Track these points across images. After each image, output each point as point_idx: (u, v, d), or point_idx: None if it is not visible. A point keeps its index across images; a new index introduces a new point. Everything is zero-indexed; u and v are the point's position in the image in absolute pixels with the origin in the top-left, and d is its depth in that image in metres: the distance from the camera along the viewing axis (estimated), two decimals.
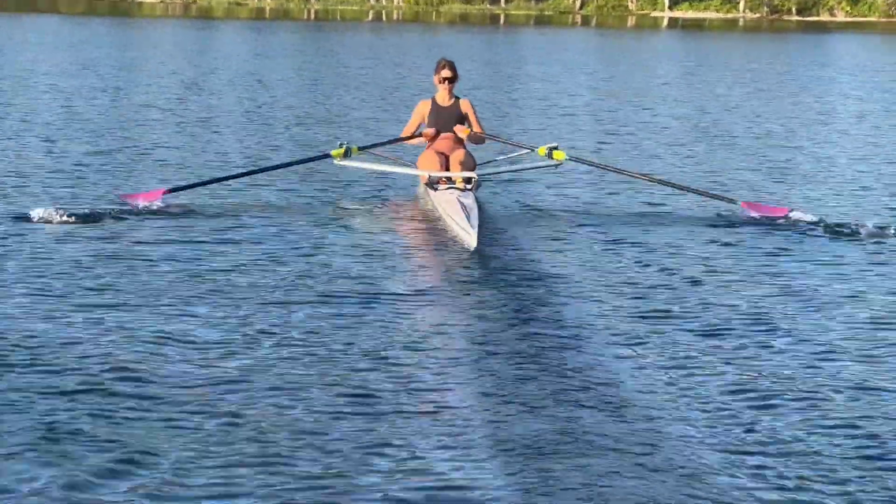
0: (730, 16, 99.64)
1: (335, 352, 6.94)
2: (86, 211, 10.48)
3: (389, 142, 12.39)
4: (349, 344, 7.09)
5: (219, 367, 6.56)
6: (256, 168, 12.45)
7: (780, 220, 11.09)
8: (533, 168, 12.37)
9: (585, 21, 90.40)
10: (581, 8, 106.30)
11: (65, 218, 10.05)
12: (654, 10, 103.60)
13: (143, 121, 17.91)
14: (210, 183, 11.66)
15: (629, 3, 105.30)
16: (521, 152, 12.31)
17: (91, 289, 8.20)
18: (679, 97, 26.14)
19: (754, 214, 11.25)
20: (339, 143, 11.81)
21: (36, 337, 7.10)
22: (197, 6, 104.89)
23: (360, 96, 23.71)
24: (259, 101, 21.54)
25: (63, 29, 51.57)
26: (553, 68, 34.77)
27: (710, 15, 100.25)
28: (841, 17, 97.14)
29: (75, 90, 22.12)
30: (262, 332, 7.29)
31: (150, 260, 9.05)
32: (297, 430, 5.67)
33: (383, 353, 6.94)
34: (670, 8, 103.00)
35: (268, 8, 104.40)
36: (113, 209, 10.66)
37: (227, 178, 12.10)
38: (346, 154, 11.54)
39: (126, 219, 10.45)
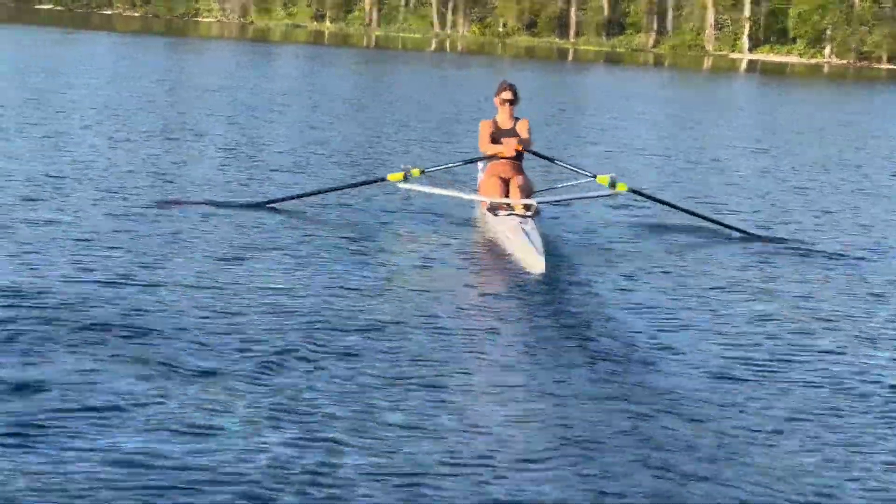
0: (813, 61, 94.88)
1: (405, 372, 6.78)
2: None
3: (466, 162, 12.52)
4: (420, 365, 6.96)
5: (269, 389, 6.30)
6: (311, 191, 12.62)
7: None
8: (592, 197, 12.53)
9: (658, 61, 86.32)
10: (655, 46, 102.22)
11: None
12: (733, 51, 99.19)
13: (201, 142, 17.93)
14: (265, 204, 11.99)
15: (706, 44, 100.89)
16: (581, 180, 12.47)
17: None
18: (750, 144, 24.54)
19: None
20: (401, 166, 12.05)
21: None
22: (254, 27, 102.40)
23: (416, 127, 23.16)
24: (314, 129, 21.52)
25: (120, 48, 50.20)
26: (619, 109, 33.16)
27: (793, 59, 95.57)
28: None
29: (143, 108, 22.34)
30: (330, 351, 7.10)
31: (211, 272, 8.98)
32: (356, 452, 5.54)
33: (457, 374, 6.83)
34: (750, 50, 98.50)
35: (327, 32, 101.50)
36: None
37: (282, 200, 12.24)
38: (406, 178, 11.79)
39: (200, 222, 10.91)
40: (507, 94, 12.00)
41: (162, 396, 6.01)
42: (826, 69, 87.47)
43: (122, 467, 5.14)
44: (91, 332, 6.98)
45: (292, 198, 12.29)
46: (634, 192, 12.14)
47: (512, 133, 11.99)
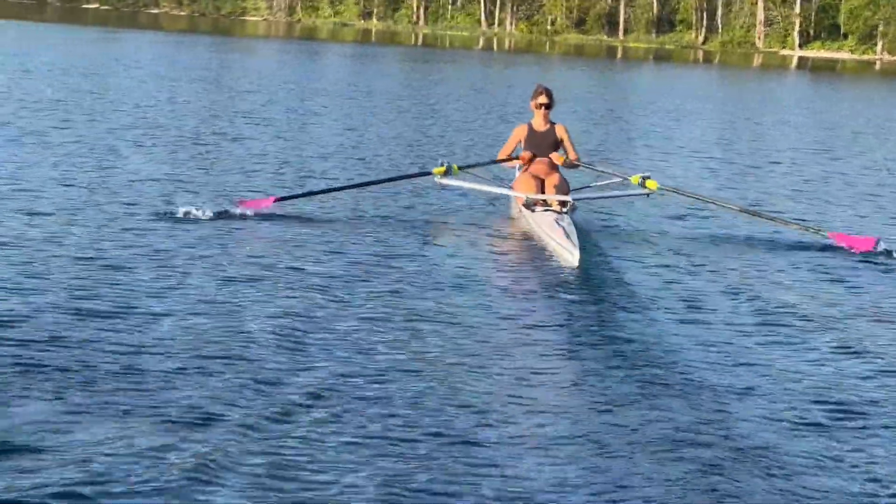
0: (865, 58, 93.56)
1: (441, 363, 6.91)
2: (218, 210, 11.27)
3: (489, 162, 13.11)
4: (455, 356, 7.07)
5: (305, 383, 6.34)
6: (361, 181, 13.12)
7: (869, 251, 11.32)
8: (625, 195, 12.64)
9: (708, 58, 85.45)
10: (704, 43, 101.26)
11: (203, 215, 11.06)
12: (784, 48, 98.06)
13: (255, 136, 18.71)
14: (317, 194, 12.30)
15: (756, 41, 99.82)
16: (615, 180, 12.83)
17: (206, 279, 8.54)
18: (808, 144, 23.63)
19: (842, 245, 11.50)
20: (440, 161, 12.36)
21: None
22: (301, 26, 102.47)
23: (460, 127, 23.06)
24: (362, 123, 22.21)
25: (166, 47, 50.33)
26: (668, 107, 32.45)
27: (844, 56, 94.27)
28: None
29: (193, 108, 22.81)
30: (362, 342, 7.22)
31: (257, 262, 9.31)
32: (389, 444, 5.56)
33: (487, 367, 6.89)
34: (801, 46, 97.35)
35: (374, 30, 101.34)
36: (234, 212, 11.35)
37: (332, 190, 12.66)
38: (447, 172, 12.18)
39: (244, 221, 11.10)
40: (542, 99, 12.29)
41: (156, 452, 5.25)
42: (878, 66, 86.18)
43: None
44: (80, 370, 6.25)
45: (341, 188, 12.70)
46: (666, 189, 12.17)
47: (547, 136, 12.25)
